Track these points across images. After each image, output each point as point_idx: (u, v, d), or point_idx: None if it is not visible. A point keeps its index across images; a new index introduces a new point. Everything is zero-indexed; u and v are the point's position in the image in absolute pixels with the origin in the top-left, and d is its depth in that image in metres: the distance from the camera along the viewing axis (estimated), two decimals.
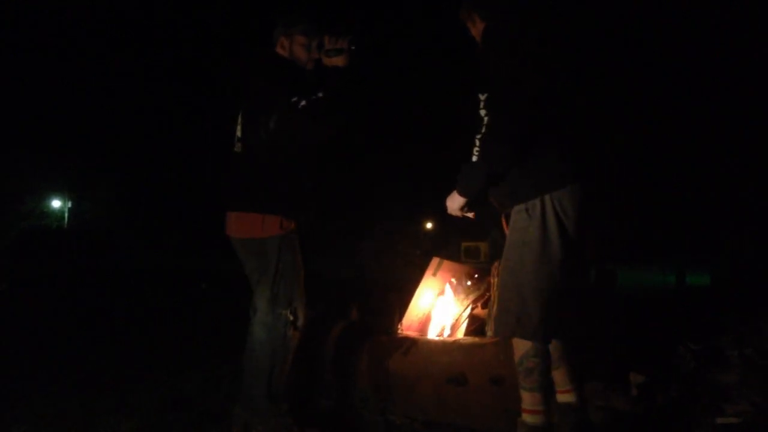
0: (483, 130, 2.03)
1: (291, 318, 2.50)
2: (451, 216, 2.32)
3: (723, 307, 3.93)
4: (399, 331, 3.29)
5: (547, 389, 2.22)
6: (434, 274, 3.43)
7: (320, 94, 2.44)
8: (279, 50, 2.68)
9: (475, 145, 2.06)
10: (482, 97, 2.04)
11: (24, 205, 21.68)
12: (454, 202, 2.23)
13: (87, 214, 24.14)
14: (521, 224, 2.17)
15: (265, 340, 2.51)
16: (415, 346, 2.97)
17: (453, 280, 3.44)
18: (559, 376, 2.31)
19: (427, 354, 2.92)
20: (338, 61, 2.55)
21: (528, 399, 2.23)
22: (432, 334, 3.28)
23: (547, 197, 2.12)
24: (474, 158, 2.07)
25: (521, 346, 2.23)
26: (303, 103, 2.41)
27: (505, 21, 2.17)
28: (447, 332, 3.26)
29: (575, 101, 2.23)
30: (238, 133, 2.62)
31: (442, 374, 2.82)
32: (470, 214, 2.32)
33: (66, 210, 24.48)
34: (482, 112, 2.04)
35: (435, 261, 3.46)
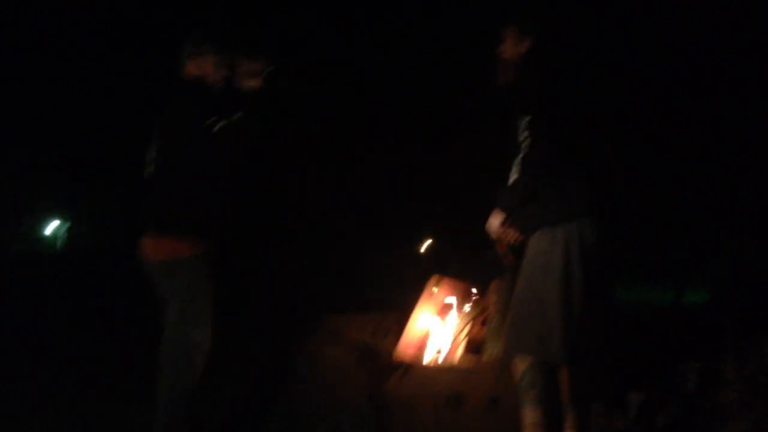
0: (527, 151, 2.16)
1: (198, 340, 2.42)
2: (492, 239, 2.39)
3: (722, 323, 3.92)
4: (397, 352, 3.28)
5: (548, 405, 2.24)
6: (433, 292, 3.43)
7: (237, 116, 2.40)
8: (188, 69, 2.58)
9: (515, 166, 2.21)
10: (526, 119, 2.17)
11: (22, 225, 21.38)
12: (496, 219, 2.32)
13: (84, 236, 23.73)
14: (544, 248, 2.24)
15: (172, 359, 2.43)
16: (413, 367, 2.97)
17: (452, 297, 3.42)
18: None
19: (424, 375, 2.92)
20: (253, 83, 2.49)
21: (530, 415, 2.24)
22: (430, 354, 3.26)
23: (573, 224, 2.21)
24: (510, 181, 2.23)
25: (523, 362, 2.24)
26: (220, 125, 2.36)
27: (552, 48, 2.33)
28: (445, 352, 3.25)
29: (600, 133, 2.37)
30: (151, 155, 2.55)
31: (439, 396, 2.80)
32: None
33: (61, 233, 23.97)
34: (525, 134, 2.16)
35: (434, 278, 3.46)
